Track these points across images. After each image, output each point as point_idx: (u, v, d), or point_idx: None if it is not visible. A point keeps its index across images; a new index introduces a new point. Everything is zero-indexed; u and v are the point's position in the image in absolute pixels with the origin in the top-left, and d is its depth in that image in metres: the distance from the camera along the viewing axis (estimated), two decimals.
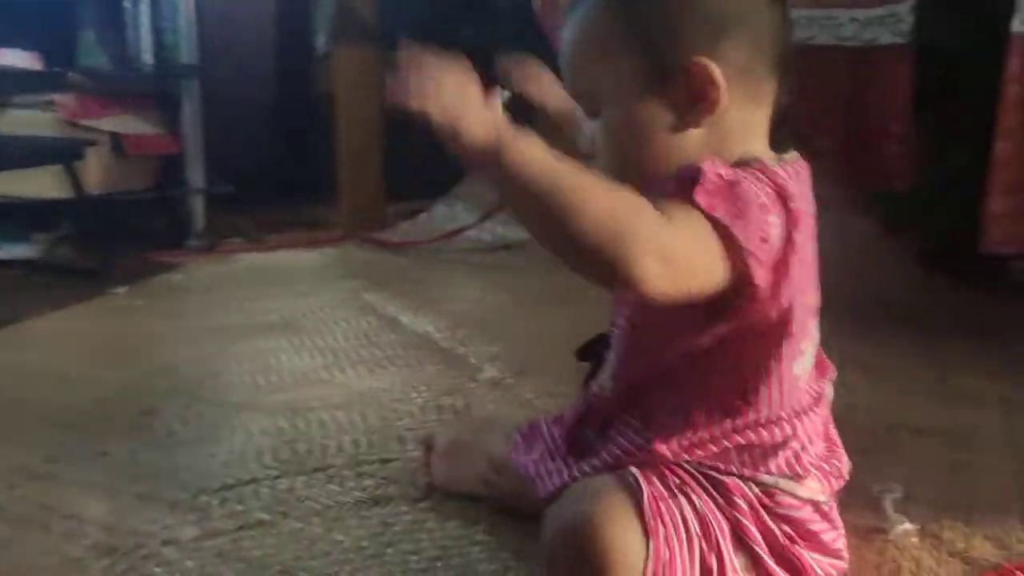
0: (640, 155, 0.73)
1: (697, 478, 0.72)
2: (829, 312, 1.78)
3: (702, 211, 0.64)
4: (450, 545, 0.85)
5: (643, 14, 0.72)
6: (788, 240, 0.68)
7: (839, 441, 0.82)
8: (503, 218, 2.23)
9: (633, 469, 0.71)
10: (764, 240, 0.66)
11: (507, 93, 2.20)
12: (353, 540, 0.86)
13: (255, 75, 2.64)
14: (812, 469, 0.75)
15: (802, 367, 0.74)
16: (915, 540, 0.85)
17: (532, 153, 0.62)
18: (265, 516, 0.90)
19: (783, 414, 0.74)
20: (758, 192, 0.67)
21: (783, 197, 0.68)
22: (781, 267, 0.68)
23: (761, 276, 0.66)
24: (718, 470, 0.73)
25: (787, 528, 0.73)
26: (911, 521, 0.87)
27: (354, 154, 2.37)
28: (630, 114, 0.72)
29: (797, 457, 0.74)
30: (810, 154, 2.13)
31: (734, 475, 0.73)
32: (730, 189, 0.66)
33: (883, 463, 1.03)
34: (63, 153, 1.98)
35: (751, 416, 0.73)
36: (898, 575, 0.79)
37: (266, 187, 2.56)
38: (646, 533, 0.67)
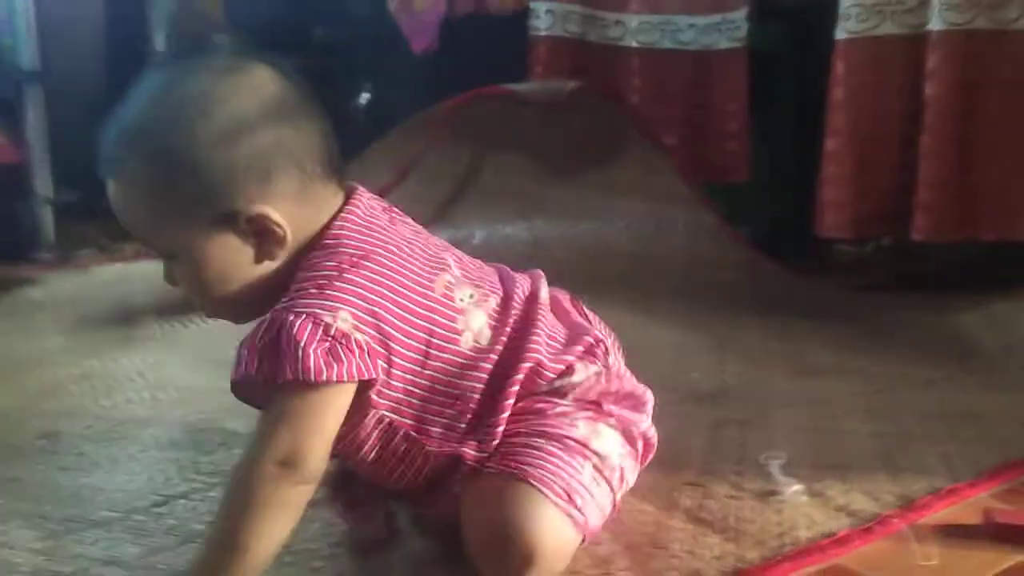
0: (230, 292, 0.78)
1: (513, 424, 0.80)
2: (685, 298, 1.92)
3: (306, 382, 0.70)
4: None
5: (185, 178, 0.73)
6: (377, 284, 0.75)
7: (579, 317, 0.91)
8: None
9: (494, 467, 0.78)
10: (358, 347, 0.72)
11: (367, 95, 2.26)
12: (299, 542, 0.88)
13: (96, 78, 2.54)
14: (573, 360, 0.84)
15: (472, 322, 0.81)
16: (804, 499, 0.96)
17: None
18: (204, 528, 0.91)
19: (515, 351, 0.81)
20: (330, 317, 0.71)
21: (359, 260, 0.75)
22: (382, 320, 0.74)
23: (375, 362, 0.74)
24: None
25: (588, 400, 0.83)
26: (797, 483, 0.99)
27: None
28: (208, 263, 0.76)
29: (555, 369, 0.83)
30: (659, 152, 2.25)
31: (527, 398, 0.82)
32: (319, 346, 0.70)
33: (762, 434, 1.15)
34: None
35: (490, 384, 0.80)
36: (797, 531, 0.89)
37: None
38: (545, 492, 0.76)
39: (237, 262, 0.76)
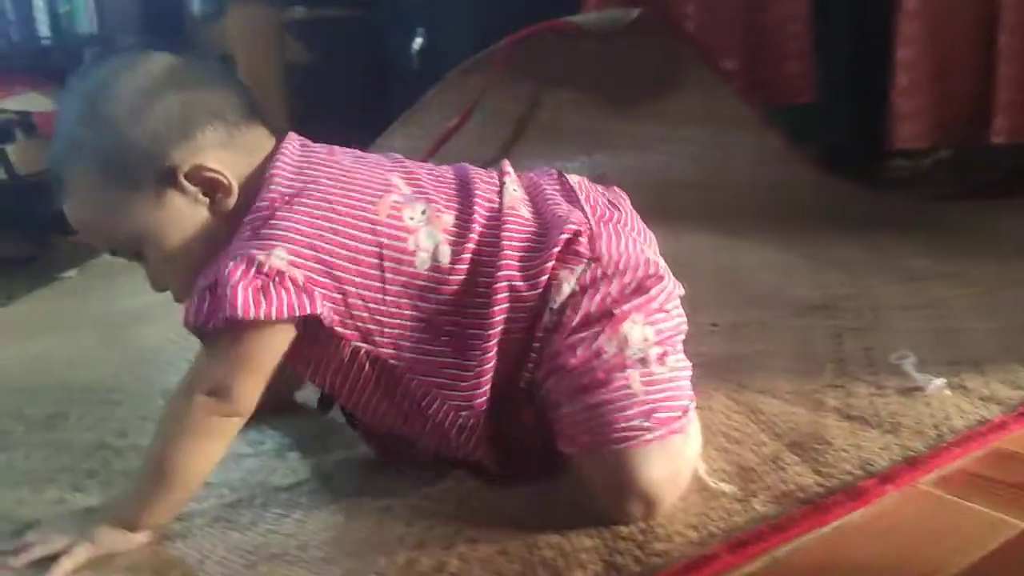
0: (201, 256, 0.78)
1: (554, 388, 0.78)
2: (764, 219, 1.91)
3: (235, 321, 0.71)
4: None
5: (117, 159, 0.76)
6: (312, 218, 0.75)
7: (558, 204, 0.83)
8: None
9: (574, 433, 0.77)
10: (293, 284, 0.73)
11: (420, 40, 2.25)
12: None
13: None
14: (550, 266, 0.78)
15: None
16: (948, 392, 0.98)
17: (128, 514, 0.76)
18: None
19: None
20: (270, 254, 0.73)
21: (291, 198, 0.76)
22: (324, 252, 0.74)
23: (313, 299, 0.74)
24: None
25: (598, 315, 0.77)
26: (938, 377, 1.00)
27: None
28: (168, 232, 0.78)
29: (535, 283, 0.78)
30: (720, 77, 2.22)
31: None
32: (249, 284, 0.72)
33: (884, 337, 1.17)
34: None
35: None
36: (951, 421, 0.91)
37: None
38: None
39: (194, 223, 0.78)
